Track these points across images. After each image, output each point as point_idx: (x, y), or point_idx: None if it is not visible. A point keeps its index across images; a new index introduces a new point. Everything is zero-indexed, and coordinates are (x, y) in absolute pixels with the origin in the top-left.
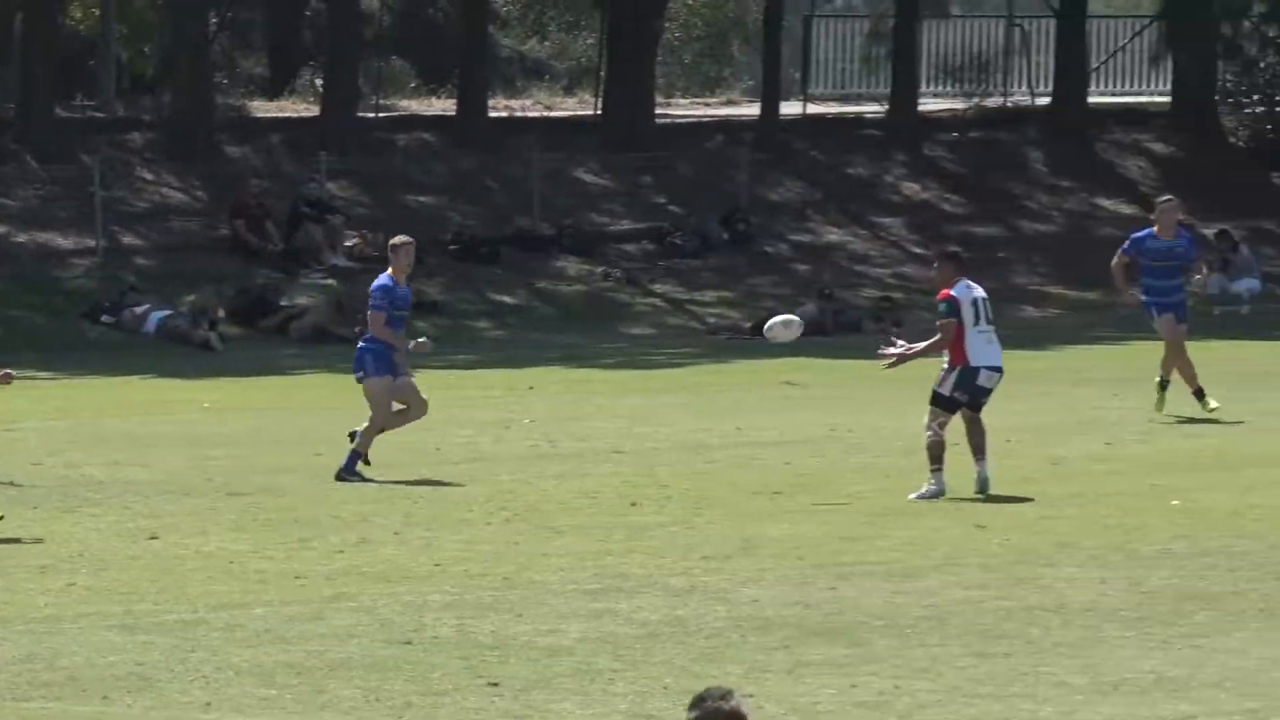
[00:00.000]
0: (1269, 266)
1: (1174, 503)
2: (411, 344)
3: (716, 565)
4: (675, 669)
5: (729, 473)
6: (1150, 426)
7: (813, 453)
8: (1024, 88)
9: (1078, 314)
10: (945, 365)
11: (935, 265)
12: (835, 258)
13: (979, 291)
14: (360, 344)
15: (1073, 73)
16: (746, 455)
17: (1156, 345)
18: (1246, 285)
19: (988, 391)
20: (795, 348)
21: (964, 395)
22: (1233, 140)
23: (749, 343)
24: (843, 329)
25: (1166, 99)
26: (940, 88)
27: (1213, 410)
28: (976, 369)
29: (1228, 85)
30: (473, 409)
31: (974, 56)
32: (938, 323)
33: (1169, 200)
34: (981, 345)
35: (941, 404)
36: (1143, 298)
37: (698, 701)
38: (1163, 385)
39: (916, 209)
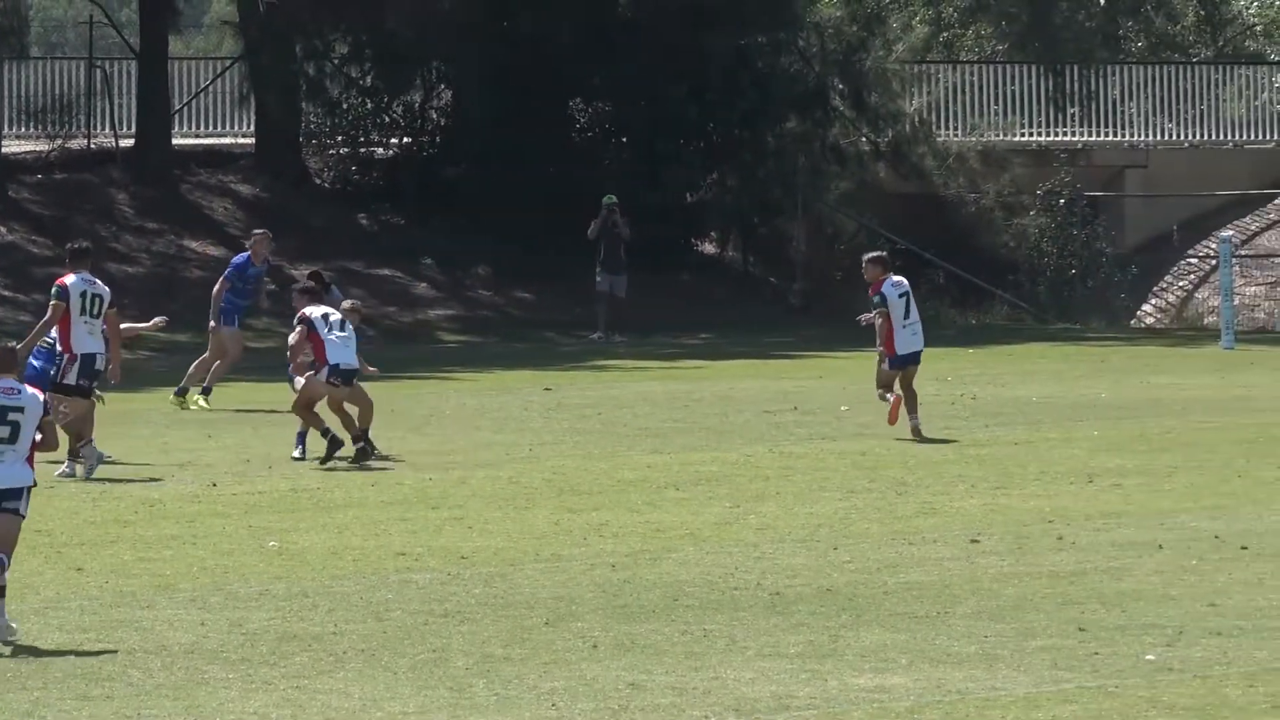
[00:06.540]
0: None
1: (271, 544)
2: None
3: None
4: None
5: None
6: (245, 467)
7: None
8: (108, 129)
9: (170, 355)
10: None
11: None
12: None
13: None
14: None
15: (155, 114)
16: None
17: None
18: None
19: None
20: None
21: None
22: (319, 181)
23: None
24: None
25: (251, 140)
26: (23, 129)
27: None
28: None
29: (312, 126)
30: None
31: (56, 98)
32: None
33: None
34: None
35: None
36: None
37: None
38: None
39: (4, 251)
